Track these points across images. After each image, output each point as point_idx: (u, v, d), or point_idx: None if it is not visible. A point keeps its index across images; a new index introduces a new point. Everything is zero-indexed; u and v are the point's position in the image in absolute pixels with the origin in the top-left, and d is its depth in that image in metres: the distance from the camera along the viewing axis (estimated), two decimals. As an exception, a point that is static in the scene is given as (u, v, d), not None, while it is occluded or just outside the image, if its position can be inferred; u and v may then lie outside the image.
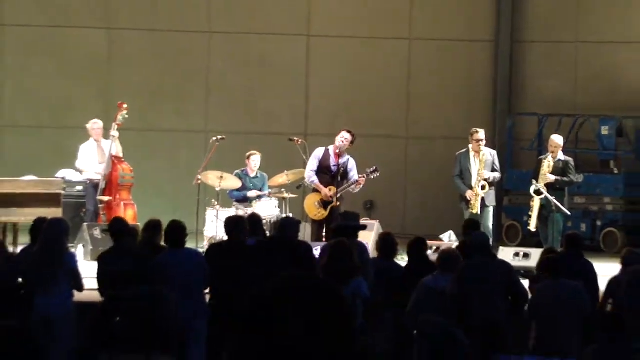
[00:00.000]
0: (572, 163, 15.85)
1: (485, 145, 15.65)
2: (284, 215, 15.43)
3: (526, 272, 13.94)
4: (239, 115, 20.41)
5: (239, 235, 10.67)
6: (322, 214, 15.15)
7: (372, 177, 15.33)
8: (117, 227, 10.64)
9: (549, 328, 9.78)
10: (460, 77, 20.86)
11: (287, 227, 10.88)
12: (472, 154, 15.52)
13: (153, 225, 10.57)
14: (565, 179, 15.59)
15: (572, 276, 10.55)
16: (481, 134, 15.60)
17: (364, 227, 11.61)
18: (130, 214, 15.82)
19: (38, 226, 10.42)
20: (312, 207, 15.20)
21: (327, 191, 15.10)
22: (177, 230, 10.07)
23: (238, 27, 20.54)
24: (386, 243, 10.88)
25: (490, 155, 15.62)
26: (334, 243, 10.14)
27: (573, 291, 9.98)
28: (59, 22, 20.18)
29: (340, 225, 11.13)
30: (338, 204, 15.10)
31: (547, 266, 10.24)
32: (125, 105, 16.32)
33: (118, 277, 9.95)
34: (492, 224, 15.69)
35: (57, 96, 20.16)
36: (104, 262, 10.33)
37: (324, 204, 15.14)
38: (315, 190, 15.28)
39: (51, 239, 9.94)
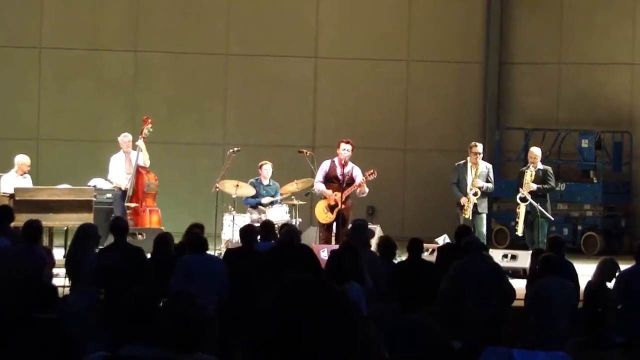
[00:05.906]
0: (551, 171, 15.92)
1: (482, 158, 15.70)
2: (291, 221, 15.37)
3: (513, 272, 13.91)
4: (253, 129, 20.36)
5: (251, 243, 10.68)
6: (330, 217, 15.18)
7: (370, 178, 15.27)
8: (117, 226, 10.62)
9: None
10: (453, 95, 20.81)
11: (292, 233, 10.90)
12: (469, 165, 15.48)
13: (163, 239, 10.76)
14: (546, 186, 15.65)
15: (555, 275, 10.45)
16: (479, 147, 15.65)
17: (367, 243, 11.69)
18: (155, 219, 15.78)
19: (26, 227, 10.43)
20: (321, 212, 15.25)
21: (333, 196, 15.11)
22: (199, 238, 10.12)
23: (252, 49, 20.50)
24: (386, 244, 10.94)
25: (485, 167, 15.63)
26: (343, 245, 10.19)
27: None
28: (91, 46, 20.16)
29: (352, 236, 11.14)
30: (344, 206, 15.08)
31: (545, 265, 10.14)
32: (150, 120, 16.27)
33: (111, 271, 9.89)
34: (485, 229, 15.63)
35: (89, 112, 20.12)
36: (101, 256, 10.30)
37: (331, 208, 15.16)
38: (324, 197, 15.28)
39: (74, 242, 10.06)
